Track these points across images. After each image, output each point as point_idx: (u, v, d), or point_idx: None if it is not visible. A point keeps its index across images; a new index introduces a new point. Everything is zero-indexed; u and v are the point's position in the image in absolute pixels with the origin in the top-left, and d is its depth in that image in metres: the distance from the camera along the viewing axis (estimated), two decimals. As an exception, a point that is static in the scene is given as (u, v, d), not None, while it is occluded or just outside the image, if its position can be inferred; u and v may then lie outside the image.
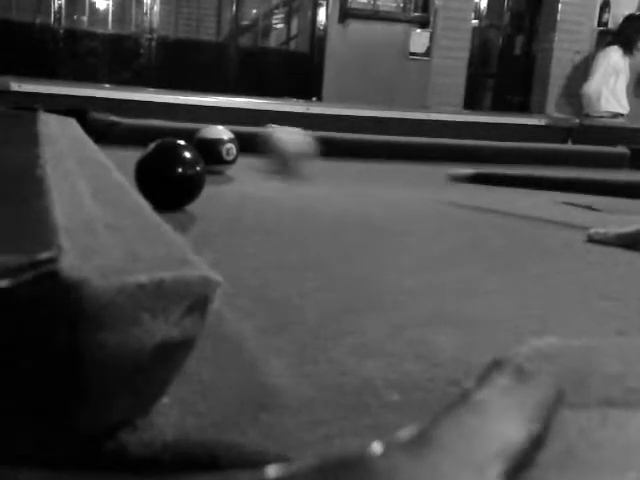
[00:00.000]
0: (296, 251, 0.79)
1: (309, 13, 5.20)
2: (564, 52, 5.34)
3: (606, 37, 5.08)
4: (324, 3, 5.01)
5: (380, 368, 0.42)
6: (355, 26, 5.04)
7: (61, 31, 4.81)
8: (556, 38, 5.30)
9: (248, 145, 1.53)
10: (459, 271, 0.74)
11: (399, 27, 5.12)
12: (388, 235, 0.94)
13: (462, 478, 0.18)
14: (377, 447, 0.19)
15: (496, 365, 0.27)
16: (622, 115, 4.45)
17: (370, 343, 0.47)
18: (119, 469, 0.30)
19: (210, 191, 1.26)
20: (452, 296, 0.63)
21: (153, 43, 5.04)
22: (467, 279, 0.70)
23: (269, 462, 0.21)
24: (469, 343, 0.49)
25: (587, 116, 4.25)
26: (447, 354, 0.46)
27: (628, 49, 4.50)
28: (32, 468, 0.18)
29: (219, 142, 1.37)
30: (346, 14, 4.99)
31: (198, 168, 0.98)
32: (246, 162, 1.49)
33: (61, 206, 0.41)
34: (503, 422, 0.22)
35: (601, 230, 0.93)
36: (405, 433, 0.21)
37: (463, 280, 0.70)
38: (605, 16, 5.36)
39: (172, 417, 0.33)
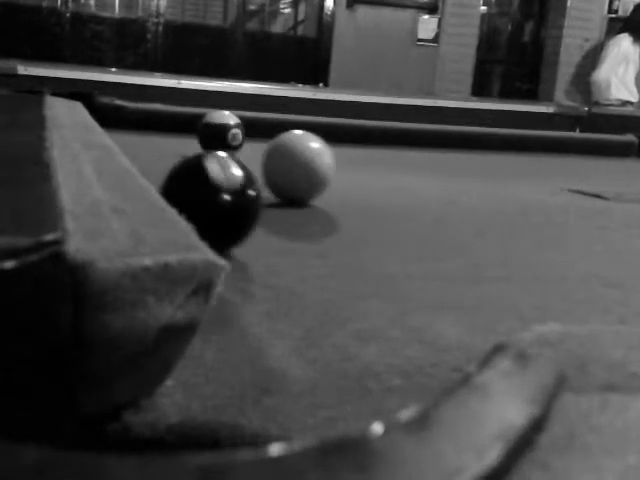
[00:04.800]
0: (300, 237, 0.79)
1: (317, -2, 5.17)
2: (573, 39, 5.29)
3: (616, 24, 5.03)
4: (332, -12, 4.98)
5: (383, 353, 0.42)
6: (363, 11, 5.01)
7: (68, 15, 4.80)
8: (565, 25, 5.26)
9: (254, 130, 1.53)
10: (463, 258, 0.74)
11: (407, 13, 5.09)
12: (392, 222, 0.94)
13: (462, 459, 0.19)
14: (378, 428, 0.19)
15: (498, 349, 0.27)
16: (631, 103, 4.42)
17: (373, 329, 0.48)
18: (123, 449, 0.30)
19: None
20: (455, 283, 0.63)
21: (160, 27, 5.02)
22: (471, 266, 0.70)
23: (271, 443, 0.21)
24: (472, 329, 0.49)
25: (596, 104, 4.23)
26: (450, 340, 0.46)
27: (638, 37, 4.47)
28: (37, 445, 0.18)
29: (225, 127, 1.37)
30: (354, -1, 4.96)
31: (252, 192, 0.65)
32: (252, 147, 1.49)
33: (67, 189, 0.41)
34: (504, 405, 0.23)
35: None
36: (406, 414, 0.21)
37: (467, 267, 0.70)
38: (615, 3, 5.31)
39: (176, 399, 0.33)
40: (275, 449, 0.18)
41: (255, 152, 1.51)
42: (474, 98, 4.49)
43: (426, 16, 5.12)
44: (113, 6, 5.08)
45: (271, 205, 0.94)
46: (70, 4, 4.83)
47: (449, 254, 0.76)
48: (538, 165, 1.86)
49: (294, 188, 0.96)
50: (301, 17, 5.52)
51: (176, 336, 0.32)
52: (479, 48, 5.34)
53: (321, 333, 0.46)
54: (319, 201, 1.01)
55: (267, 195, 0.93)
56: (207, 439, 0.30)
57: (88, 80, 2.38)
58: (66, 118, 0.98)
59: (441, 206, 1.10)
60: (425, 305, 0.55)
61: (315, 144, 0.97)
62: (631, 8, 4.78)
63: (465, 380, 0.24)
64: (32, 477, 0.17)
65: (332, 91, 3.32)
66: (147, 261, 0.30)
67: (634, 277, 0.71)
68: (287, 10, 5.62)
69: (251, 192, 0.64)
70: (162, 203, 0.44)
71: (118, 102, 1.77)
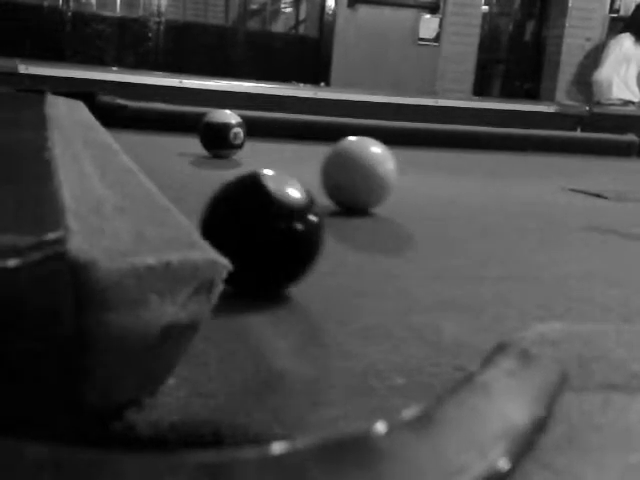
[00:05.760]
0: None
1: (318, -3, 5.17)
2: (575, 39, 5.29)
3: (618, 24, 5.03)
4: (333, -13, 4.98)
5: (385, 352, 0.42)
6: (364, 11, 5.01)
7: (69, 14, 4.80)
8: (567, 24, 5.25)
9: (255, 130, 1.53)
10: (464, 257, 0.74)
11: (408, 12, 5.08)
12: (393, 221, 0.94)
13: (465, 458, 0.19)
14: (381, 426, 0.19)
15: (501, 348, 0.27)
16: (633, 103, 4.42)
17: (375, 327, 0.48)
18: (126, 448, 0.30)
19: (217, 175, 1.26)
20: (458, 282, 0.63)
21: (161, 27, 5.02)
22: (472, 265, 0.70)
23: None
24: (474, 328, 0.49)
25: (598, 103, 4.22)
26: (452, 339, 0.46)
27: (640, 37, 4.46)
28: (38, 443, 0.18)
29: (227, 126, 1.37)
30: (355, -1, 4.96)
31: (313, 218, 0.54)
32: (253, 146, 1.49)
33: (69, 188, 0.41)
34: (506, 404, 0.23)
35: None
36: (409, 413, 0.21)
37: (468, 266, 0.70)
38: (617, 3, 5.31)
39: (178, 397, 0.33)
40: (278, 447, 0.18)
41: (256, 151, 1.51)
42: (475, 97, 4.48)
43: (427, 15, 5.11)
44: (114, 5, 5.08)
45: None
46: (71, 3, 4.83)
47: (451, 253, 0.76)
48: (539, 164, 1.86)
49: (355, 196, 0.93)
50: (302, 16, 5.52)
51: (178, 335, 0.32)
52: (480, 47, 5.34)
53: (323, 332, 0.46)
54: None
55: (327, 203, 0.91)
56: (209, 438, 0.30)
57: (89, 79, 2.38)
58: (68, 117, 0.98)
59: (442, 205, 1.10)
60: (427, 304, 0.55)
61: (377, 149, 0.94)
62: (633, 8, 4.77)
63: (468, 379, 0.24)
64: (34, 474, 0.17)
65: (333, 90, 3.32)
66: (149, 260, 0.30)
67: (636, 277, 0.71)
68: (288, 9, 5.62)
69: (313, 217, 0.53)
70: (164, 202, 0.44)
71: (119, 101, 1.77)
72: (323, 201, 0.91)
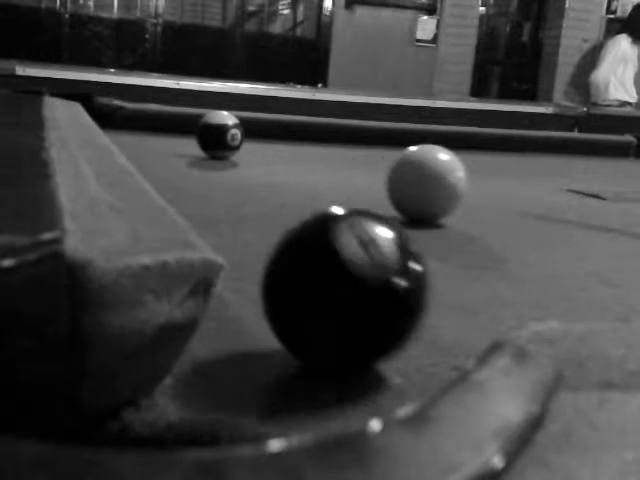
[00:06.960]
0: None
1: (315, -1, 5.17)
2: (572, 40, 5.29)
3: (615, 25, 5.04)
4: (330, -11, 4.98)
5: (382, 352, 0.42)
6: (362, 12, 5.01)
7: (67, 15, 4.80)
8: (564, 25, 5.26)
9: (252, 131, 1.53)
10: (462, 257, 0.74)
11: (406, 14, 5.09)
12: (392, 221, 0.94)
13: (461, 455, 0.19)
14: (376, 424, 0.19)
15: (496, 347, 0.27)
16: (630, 104, 4.43)
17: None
18: (123, 448, 0.30)
19: (214, 176, 1.27)
20: (455, 282, 0.63)
21: (158, 28, 5.02)
22: (470, 265, 0.70)
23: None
24: (472, 328, 0.49)
25: (595, 104, 4.23)
26: (450, 339, 0.46)
27: (637, 37, 4.47)
28: (35, 442, 0.18)
29: (224, 127, 1.37)
30: (353, 0, 4.96)
31: (417, 266, 0.40)
32: (250, 148, 1.49)
33: (65, 188, 0.41)
34: (502, 402, 0.23)
35: None
36: (404, 411, 0.21)
37: (466, 266, 0.70)
38: (614, 4, 5.32)
39: (175, 397, 0.33)
40: (273, 445, 0.18)
41: (253, 152, 1.51)
42: (473, 99, 4.49)
43: (425, 17, 5.12)
44: (112, 7, 5.08)
45: (272, 198, 0.93)
46: (69, 5, 4.82)
47: (449, 253, 0.76)
48: (537, 165, 1.86)
49: (424, 206, 0.89)
50: (300, 18, 5.52)
51: (175, 335, 0.32)
52: (478, 49, 5.34)
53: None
54: (322, 198, 1.01)
55: (393, 213, 0.89)
56: (206, 437, 0.30)
57: (87, 81, 2.38)
58: (65, 118, 0.98)
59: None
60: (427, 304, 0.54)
61: (446, 157, 0.91)
62: (630, 9, 4.78)
63: (463, 377, 0.24)
64: (31, 473, 0.17)
65: (331, 92, 3.32)
66: (145, 260, 0.30)
67: (632, 276, 0.71)
68: (286, 11, 5.63)
69: (416, 266, 0.39)
70: (160, 202, 0.44)
71: (117, 103, 1.77)
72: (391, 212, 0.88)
